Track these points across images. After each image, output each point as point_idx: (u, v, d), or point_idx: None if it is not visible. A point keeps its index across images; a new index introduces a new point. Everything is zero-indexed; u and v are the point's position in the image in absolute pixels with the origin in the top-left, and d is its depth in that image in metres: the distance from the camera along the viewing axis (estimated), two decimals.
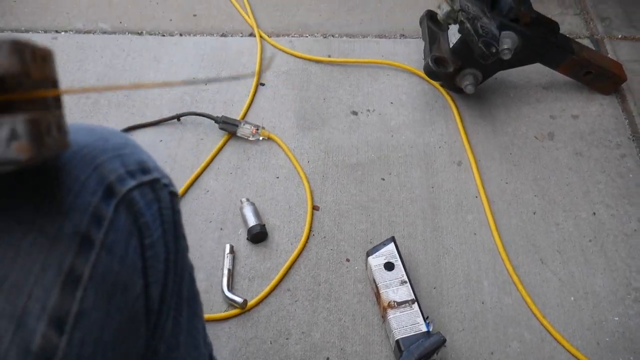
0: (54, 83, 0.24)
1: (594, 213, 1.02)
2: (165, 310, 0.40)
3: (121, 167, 0.35)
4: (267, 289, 0.92)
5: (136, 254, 0.35)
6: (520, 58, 1.09)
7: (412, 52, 1.30)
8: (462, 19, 0.98)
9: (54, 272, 0.29)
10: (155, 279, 0.37)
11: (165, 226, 0.38)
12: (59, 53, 1.32)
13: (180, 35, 1.37)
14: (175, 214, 0.40)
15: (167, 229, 0.39)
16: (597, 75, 1.15)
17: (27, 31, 1.39)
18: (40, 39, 1.35)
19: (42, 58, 0.23)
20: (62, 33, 1.38)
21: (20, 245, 0.28)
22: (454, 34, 1.10)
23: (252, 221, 0.98)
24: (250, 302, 0.91)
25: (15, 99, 0.21)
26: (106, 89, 0.23)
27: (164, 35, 1.36)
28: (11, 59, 0.20)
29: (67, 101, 1.19)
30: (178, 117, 1.15)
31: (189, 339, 0.43)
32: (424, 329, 0.83)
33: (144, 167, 0.37)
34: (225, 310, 0.90)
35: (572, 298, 0.92)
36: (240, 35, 1.36)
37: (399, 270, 0.90)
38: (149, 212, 0.37)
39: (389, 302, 0.86)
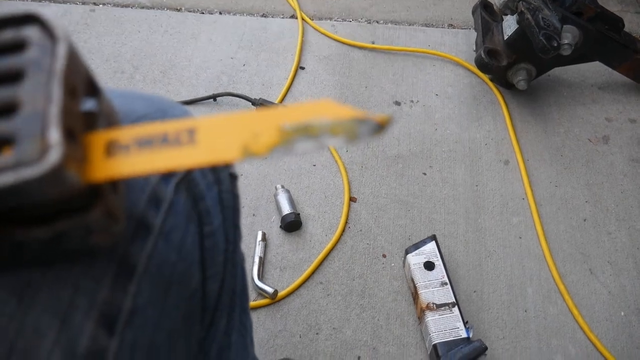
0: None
1: None
2: (221, 308, 0.35)
3: None
4: (298, 281, 0.88)
5: (194, 243, 0.31)
6: (579, 55, 1.02)
7: (460, 42, 1.24)
8: (523, 9, 0.92)
9: (105, 261, 0.25)
10: (213, 272, 0.33)
11: (225, 213, 0.34)
12: (95, 25, 1.29)
13: (220, 13, 1.33)
14: (235, 198, 0.36)
15: (226, 217, 0.34)
16: None
17: (64, 2, 1.36)
18: (77, 11, 1.33)
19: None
20: (100, 5, 1.35)
21: None
22: (509, 26, 1.03)
23: (286, 209, 0.93)
24: (281, 293, 0.87)
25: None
26: None
27: (203, 13, 1.33)
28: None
29: (102, 75, 1.16)
30: (214, 97, 1.11)
31: (239, 338, 0.39)
32: (463, 334, 0.79)
33: None
34: (254, 300, 0.86)
35: (623, 313, 0.86)
36: (282, 16, 1.32)
37: (440, 271, 0.85)
38: (209, 195, 0.32)
39: (428, 304, 0.81)
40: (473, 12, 1.14)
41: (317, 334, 0.84)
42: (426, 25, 1.30)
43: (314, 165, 1.03)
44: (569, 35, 0.96)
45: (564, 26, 0.96)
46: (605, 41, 1.01)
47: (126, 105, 0.26)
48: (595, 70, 1.16)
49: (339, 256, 0.92)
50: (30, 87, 0.20)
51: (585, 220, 0.96)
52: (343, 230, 0.95)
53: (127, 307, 0.25)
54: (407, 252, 0.88)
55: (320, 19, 1.31)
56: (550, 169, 1.03)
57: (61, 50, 0.21)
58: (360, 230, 0.95)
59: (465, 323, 0.80)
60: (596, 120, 1.11)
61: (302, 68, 1.19)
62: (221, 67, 1.19)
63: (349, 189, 0.99)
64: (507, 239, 0.94)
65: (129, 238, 0.26)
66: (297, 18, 1.30)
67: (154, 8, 1.34)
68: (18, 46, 0.21)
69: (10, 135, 0.19)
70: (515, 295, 0.88)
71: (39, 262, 0.23)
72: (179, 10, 1.33)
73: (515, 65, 1.05)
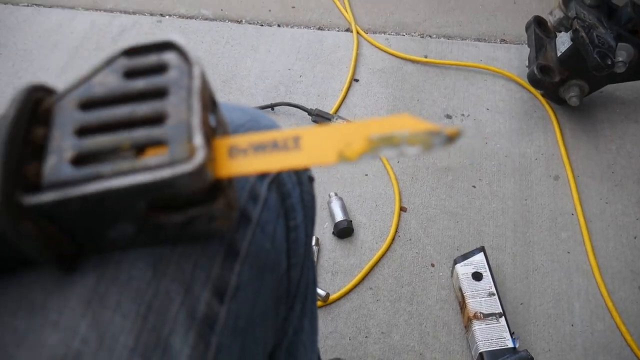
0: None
1: None
2: (299, 294, 0.41)
3: None
4: (349, 285, 0.92)
5: (282, 235, 0.36)
6: (634, 72, 1.03)
7: (513, 58, 1.26)
8: (577, 27, 0.94)
9: (217, 244, 0.30)
10: (295, 261, 0.38)
11: (305, 210, 0.39)
12: (162, 35, 1.37)
13: (278, 26, 1.39)
14: (313, 199, 0.41)
15: (306, 214, 0.39)
16: None
17: (134, 13, 1.45)
18: (146, 21, 1.42)
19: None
20: (167, 17, 1.43)
21: None
22: (562, 43, 1.05)
23: (339, 216, 0.98)
24: (332, 296, 0.91)
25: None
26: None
27: (262, 25, 1.39)
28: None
29: None
30: (272, 107, 1.16)
31: (309, 324, 0.44)
32: (510, 344, 0.81)
33: None
34: None
35: None
36: (337, 29, 1.37)
37: (488, 282, 0.87)
38: (294, 194, 0.38)
39: (475, 313, 0.84)
40: (527, 29, 1.15)
41: (366, 337, 0.88)
42: (478, 40, 1.32)
43: (366, 175, 1.07)
44: (623, 53, 0.97)
45: (619, 44, 0.97)
46: None
47: (228, 115, 0.31)
48: None
49: (388, 263, 0.96)
50: (174, 101, 0.25)
51: (635, 237, 0.97)
52: (393, 239, 0.99)
53: (233, 283, 0.30)
54: (455, 262, 0.91)
55: (374, 32, 1.35)
56: (601, 185, 1.04)
57: (197, 72, 0.26)
58: (410, 239, 0.99)
59: (511, 334, 0.82)
60: None
61: (357, 80, 1.24)
62: (279, 78, 1.24)
63: (400, 199, 1.03)
64: (555, 253, 0.96)
65: (235, 226, 0.32)
66: (352, 31, 1.34)
67: (216, 20, 1.41)
68: (161, 68, 0.26)
69: (162, 139, 0.24)
70: (562, 310, 0.90)
71: (169, 242, 0.28)
72: (239, 22, 1.40)
73: (568, 81, 1.07)
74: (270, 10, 1.42)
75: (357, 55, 1.29)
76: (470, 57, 1.27)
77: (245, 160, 0.25)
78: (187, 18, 1.43)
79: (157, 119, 0.25)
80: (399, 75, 1.24)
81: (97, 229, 0.26)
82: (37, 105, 0.25)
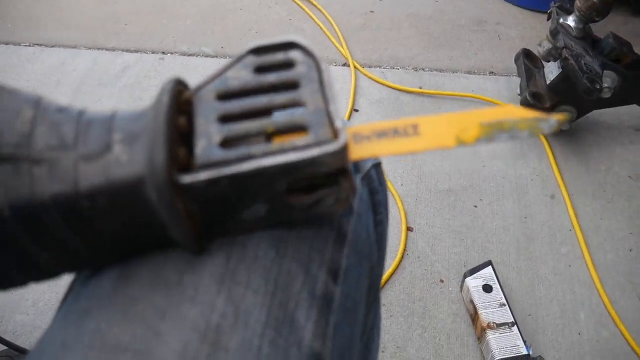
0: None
1: None
2: (379, 292, 0.42)
3: None
4: None
5: (372, 228, 0.38)
6: (618, 98, 1.11)
7: (501, 88, 1.34)
8: (567, 55, 1.01)
9: (327, 228, 0.32)
10: (382, 254, 0.40)
11: (385, 208, 0.41)
12: (165, 72, 1.42)
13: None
14: (387, 199, 0.44)
15: (386, 211, 0.42)
16: None
17: (136, 51, 1.50)
18: (148, 59, 1.46)
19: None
20: (169, 54, 1.48)
21: None
22: (551, 71, 1.13)
23: None
24: None
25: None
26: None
27: None
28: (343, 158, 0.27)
29: None
30: None
31: (378, 322, 0.46)
32: (524, 351, 0.84)
33: None
34: None
35: None
36: (334, 64, 1.43)
37: (498, 293, 0.91)
38: (379, 190, 0.40)
39: (488, 323, 0.87)
40: (516, 60, 1.24)
41: (382, 352, 0.90)
42: (469, 72, 1.40)
43: None
44: (608, 80, 1.05)
45: (604, 71, 1.05)
46: None
47: None
48: (631, 113, 1.24)
49: (399, 280, 0.99)
50: (308, 92, 0.28)
51: (631, 250, 1.02)
52: (402, 257, 1.02)
53: (343, 265, 0.32)
54: (465, 276, 0.94)
55: (370, 66, 1.42)
56: (595, 203, 1.10)
57: (324, 66, 0.29)
58: (418, 257, 1.02)
59: (524, 341, 0.85)
60: (634, 159, 1.18)
61: (356, 110, 1.29)
62: None
63: (406, 220, 1.07)
64: (557, 267, 1.00)
65: (350, 210, 0.34)
66: (349, 65, 1.41)
67: (217, 57, 1.47)
68: (289, 64, 0.29)
69: (304, 123, 0.27)
70: (569, 319, 0.93)
71: (291, 222, 0.30)
72: None
73: (558, 107, 1.14)
74: None
75: (356, 87, 1.35)
76: (462, 88, 1.35)
77: (370, 145, 0.27)
78: (188, 55, 1.48)
79: (296, 106, 0.27)
80: (397, 105, 1.31)
81: (235, 209, 0.27)
82: (179, 96, 0.27)
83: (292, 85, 0.28)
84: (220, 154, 0.25)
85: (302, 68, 0.29)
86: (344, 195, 0.28)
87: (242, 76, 0.28)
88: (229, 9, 1.67)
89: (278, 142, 0.26)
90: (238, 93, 0.28)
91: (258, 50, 0.29)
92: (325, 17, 1.61)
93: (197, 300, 0.26)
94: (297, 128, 0.27)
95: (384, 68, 1.42)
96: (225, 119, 0.27)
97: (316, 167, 0.26)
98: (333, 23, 1.57)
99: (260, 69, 0.29)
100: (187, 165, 0.25)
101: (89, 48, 1.52)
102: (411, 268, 1.00)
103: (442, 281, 0.99)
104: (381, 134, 0.28)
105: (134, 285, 0.27)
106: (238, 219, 0.28)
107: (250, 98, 0.28)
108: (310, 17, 1.61)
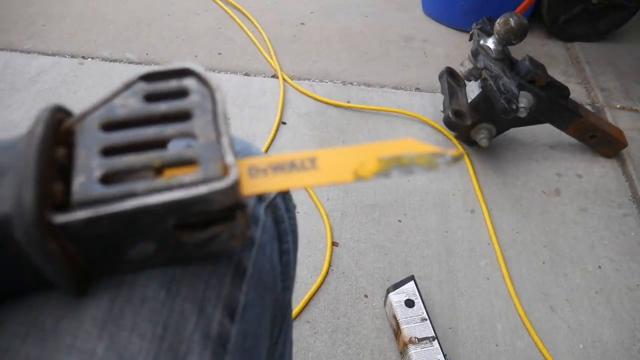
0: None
1: (600, 266, 1.07)
2: (286, 318, 0.41)
3: None
4: None
5: (277, 258, 0.37)
6: (533, 117, 1.16)
7: (427, 104, 1.37)
8: (486, 76, 1.05)
9: (225, 264, 0.31)
10: (287, 284, 0.39)
11: (293, 235, 0.41)
12: (84, 78, 1.36)
13: (205, 70, 1.41)
14: (297, 226, 0.43)
15: (294, 239, 0.41)
16: (601, 139, 1.23)
17: (54, 55, 1.42)
18: (66, 63, 1.39)
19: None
20: (89, 59, 1.42)
21: None
22: (472, 90, 1.17)
23: None
24: None
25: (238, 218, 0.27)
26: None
27: None
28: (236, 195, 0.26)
29: None
30: None
31: (289, 348, 0.44)
32: None
33: None
34: None
35: (581, 345, 0.95)
36: (263, 75, 1.42)
37: (419, 308, 0.92)
38: (286, 219, 0.39)
39: (410, 338, 0.88)
40: (440, 78, 1.27)
41: None
42: (396, 88, 1.43)
43: (298, 212, 1.10)
44: (524, 100, 1.09)
45: (521, 92, 1.10)
46: (554, 106, 1.16)
47: None
48: (545, 132, 1.31)
49: (323, 297, 0.98)
50: (200, 123, 0.26)
51: (544, 263, 1.07)
52: (327, 273, 1.01)
53: (242, 302, 0.31)
54: (388, 291, 0.95)
55: (299, 79, 1.42)
56: (511, 217, 1.14)
57: (219, 97, 0.28)
58: (343, 272, 1.02)
59: (444, 355, 0.87)
60: (548, 175, 1.24)
61: (284, 123, 1.28)
62: None
63: (331, 234, 1.07)
64: (476, 280, 1.03)
65: (247, 245, 0.32)
66: (278, 78, 1.40)
67: (141, 63, 1.41)
68: (182, 93, 0.27)
69: (193, 158, 0.25)
70: (487, 331, 0.96)
71: (183, 261, 0.28)
72: None
73: (478, 125, 1.18)
74: (196, 56, 1.46)
75: (284, 99, 1.34)
76: (389, 103, 1.37)
77: (265, 179, 0.26)
78: (110, 61, 1.42)
79: (185, 139, 0.26)
80: (324, 119, 1.31)
81: (119, 248, 0.25)
82: (58, 125, 0.25)
83: (184, 116, 0.27)
84: (100, 190, 0.23)
85: (196, 97, 0.27)
86: (239, 230, 0.27)
87: (131, 104, 0.27)
88: (156, 16, 1.62)
89: (166, 177, 0.25)
90: (125, 123, 0.26)
91: (149, 77, 0.28)
92: (256, 27, 1.59)
93: (75, 348, 0.24)
94: (187, 162, 0.25)
95: (312, 81, 1.42)
96: (109, 151, 0.25)
97: (205, 205, 0.24)
98: (263, 34, 1.56)
99: (150, 97, 0.27)
100: (64, 202, 0.23)
101: (1, 49, 1.42)
102: (336, 284, 1.00)
103: (366, 296, 0.99)
104: (277, 168, 0.27)
105: (4, 335, 0.25)
106: (124, 259, 0.26)
107: (137, 129, 0.26)
108: (240, 26, 1.59)
